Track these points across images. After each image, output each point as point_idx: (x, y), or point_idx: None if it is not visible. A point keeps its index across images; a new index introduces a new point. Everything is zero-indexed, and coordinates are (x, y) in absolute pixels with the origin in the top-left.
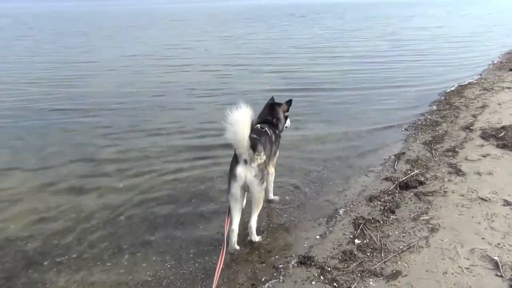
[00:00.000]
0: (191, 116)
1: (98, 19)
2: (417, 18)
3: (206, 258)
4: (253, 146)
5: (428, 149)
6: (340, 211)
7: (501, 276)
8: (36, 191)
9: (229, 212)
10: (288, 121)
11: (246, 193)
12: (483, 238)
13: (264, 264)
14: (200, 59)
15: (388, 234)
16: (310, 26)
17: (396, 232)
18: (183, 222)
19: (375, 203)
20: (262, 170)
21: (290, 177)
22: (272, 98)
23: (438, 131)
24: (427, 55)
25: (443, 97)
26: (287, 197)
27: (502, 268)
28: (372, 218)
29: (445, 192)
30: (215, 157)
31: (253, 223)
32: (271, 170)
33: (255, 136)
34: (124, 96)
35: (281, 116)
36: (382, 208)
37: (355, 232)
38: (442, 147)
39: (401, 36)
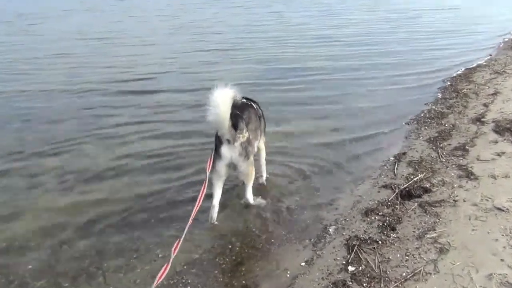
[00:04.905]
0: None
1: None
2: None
3: None
4: (235, 125)
5: (434, 147)
6: (330, 230)
7: None
8: None
9: (210, 158)
10: None
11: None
12: (502, 260)
13: None
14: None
15: (389, 257)
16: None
17: (398, 255)
18: (138, 249)
19: (372, 218)
20: (246, 148)
21: (269, 187)
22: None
23: (445, 125)
24: (430, 38)
25: (449, 83)
26: (267, 214)
27: None
28: (369, 238)
29: (455, 201)
30: (176, 169)
31: (248, 194)
32: (262, 146)
33: (237, 112)
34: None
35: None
36: (381, 224)
37: (348, 256)
38: (449, 144)
39: (403, 15)
